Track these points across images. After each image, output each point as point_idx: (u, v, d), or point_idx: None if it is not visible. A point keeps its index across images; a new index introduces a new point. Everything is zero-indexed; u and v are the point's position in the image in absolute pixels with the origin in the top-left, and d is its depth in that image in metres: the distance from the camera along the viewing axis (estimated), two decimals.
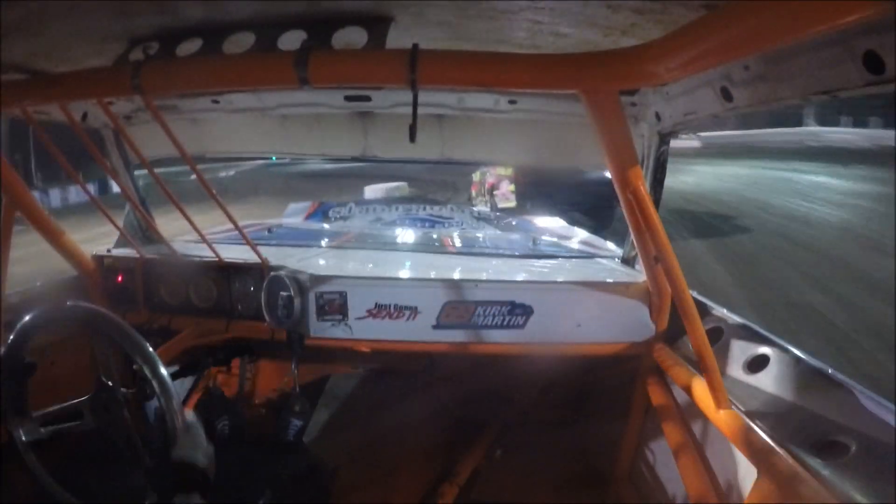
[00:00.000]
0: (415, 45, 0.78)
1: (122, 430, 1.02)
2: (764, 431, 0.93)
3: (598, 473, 1.72)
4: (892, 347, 3.78)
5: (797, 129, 22.29)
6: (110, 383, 1.06)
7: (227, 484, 1.14)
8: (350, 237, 2.22)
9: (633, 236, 1.27)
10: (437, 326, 1.42)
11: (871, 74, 0.64)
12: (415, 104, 0.83)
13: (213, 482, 1.08)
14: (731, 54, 0.65)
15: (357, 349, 1.50)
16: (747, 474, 0.96)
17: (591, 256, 1.94)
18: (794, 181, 12.71)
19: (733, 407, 1.02)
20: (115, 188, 1.63)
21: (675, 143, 1.39)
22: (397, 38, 0.81)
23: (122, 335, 1.02)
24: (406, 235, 2.33)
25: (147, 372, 0.99)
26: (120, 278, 1.61)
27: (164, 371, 0.99)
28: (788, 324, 4.42)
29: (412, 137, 0.82)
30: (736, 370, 1.17)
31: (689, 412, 1.24)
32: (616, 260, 1.78)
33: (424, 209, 2.66)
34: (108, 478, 1.04)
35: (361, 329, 1.43)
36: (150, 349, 1.01)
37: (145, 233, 1.84)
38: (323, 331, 1.44)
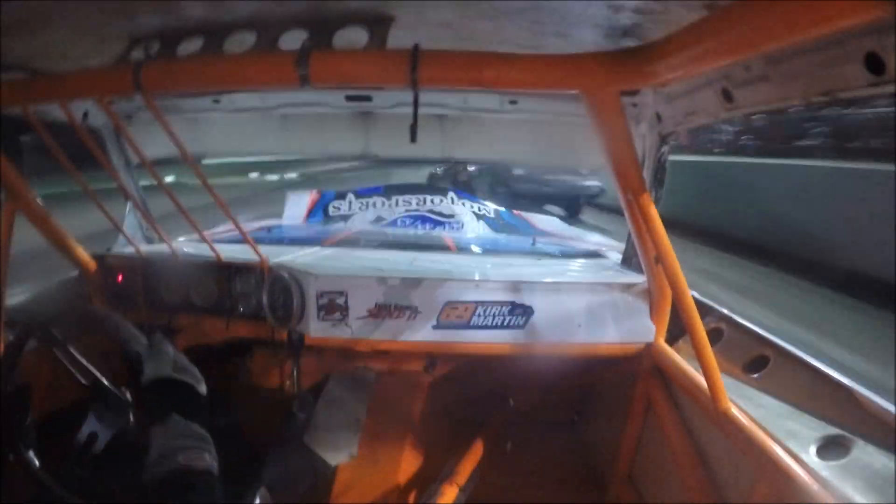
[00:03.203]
0: (416, 46, 0.78)
1: (122, 429, 1.02)
2: (764, 432, 0.93)
3: (598, 473, 1.71)
4: None
5: None
6: (109, 383, 1.06)
7: (225, 483, 1.14)
8: (350, 236, 2.22)
9: (633, 236, 1.27)
10: (437, 326, 1.41)
11: (872, 75, 0.64)
12: (415, 104, 0.83)
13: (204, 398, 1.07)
14: (731, 55, 0.65)
15: (357, 349, 1.50)
16: (747, 474, 0.96)
17: (591, 256, 1.94)
18: None
19: (733, 407, 1.02)
20: None
21: None
22: (398, 39, 0.81)
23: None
24: (407, 234, 2.33)
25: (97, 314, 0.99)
26: (120, 278, 1.61)
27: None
28: None
29: (413, 138, 0.82)
30: (736, 371, 1.17)
31: (689, 412, 1.24)
32: (616, 260, 1.78)
33: (424, 203, 2.64)
34: (109, 478, 1.04)
35: (362, 329, 1.43)
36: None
37: (145, 232, 1.84)
38: (323, 330, 1.44)
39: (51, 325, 1.11)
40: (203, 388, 1.10)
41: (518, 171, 8.83)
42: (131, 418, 1.03)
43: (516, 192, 8.60)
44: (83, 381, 1.07)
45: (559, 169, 8.63)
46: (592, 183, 8.93)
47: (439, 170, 10.46)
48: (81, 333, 1.25)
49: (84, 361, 1.12)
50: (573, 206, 9.15)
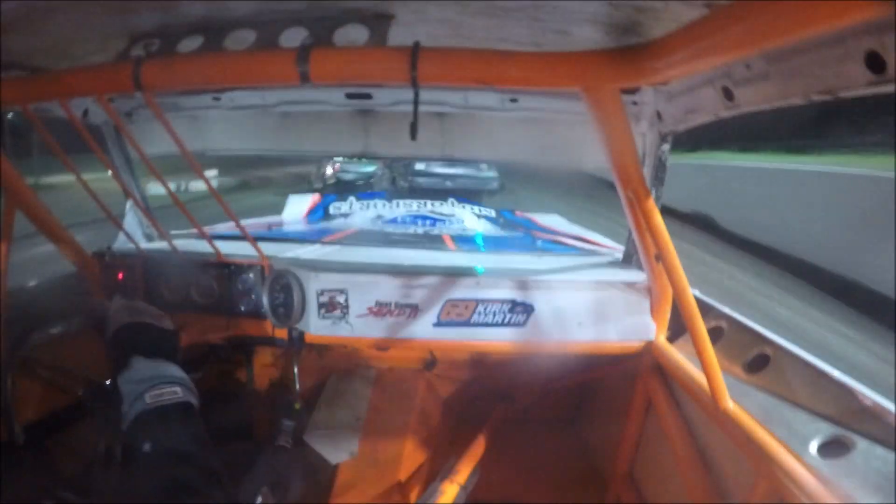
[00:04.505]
0: (416, 43, 0.78)
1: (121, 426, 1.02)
2: (764, 430, 0.93)
3: (598, 473, 1.72)
4: None
5: None
6: (108, 381, 1.06)
7: (225, 482, 1.14)
8: (351, 234, 2.22)
9: (633, 234, 1.27)
10: (437, 324, 1.42)
11: (873, 74, 0.64)
12: (416, 102, 0.83)
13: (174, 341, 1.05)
14: (732, 53, 0.65)
15: (358, 347, 1.50)
16: (747, 474, 0.96)
17: (591, 254, 1.94)
18: None
19: (733, 407, 1.02)
20: None
21: None
22: (398, 36, 0.81)
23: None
24: (407, 233, 2.33)
25: None
26: (120, 275, 1.61)
27: None
28: None
29: (413, 135, 0.82)
30: (737, 370, 1.17)
31: (690, 412, 1.24)
32: (617, 258, 1.78)
33: (425, 205, 2.65)
34: (109, 477, 1.04)
35: (362, 327, 1.43)
36: None
37: (146, 230, 1.84)
38: (323, 328, 1.44)
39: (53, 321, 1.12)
40: (168, 324, 1.06)
41: (419, 166, 8.86)
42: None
43: (418, 187, 8.53)
44: (83, 380, 1.07)
45: (458, 163, 8.72)
46: (492, 175, 9.08)
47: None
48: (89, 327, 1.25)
49: (85, 360, 1.12)
50: (475, 199, 9.27)
